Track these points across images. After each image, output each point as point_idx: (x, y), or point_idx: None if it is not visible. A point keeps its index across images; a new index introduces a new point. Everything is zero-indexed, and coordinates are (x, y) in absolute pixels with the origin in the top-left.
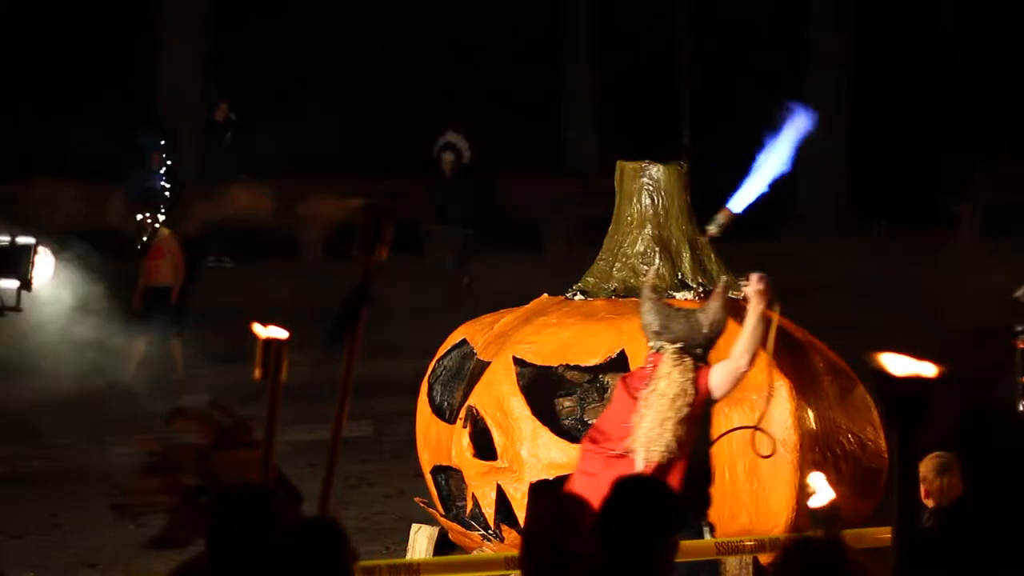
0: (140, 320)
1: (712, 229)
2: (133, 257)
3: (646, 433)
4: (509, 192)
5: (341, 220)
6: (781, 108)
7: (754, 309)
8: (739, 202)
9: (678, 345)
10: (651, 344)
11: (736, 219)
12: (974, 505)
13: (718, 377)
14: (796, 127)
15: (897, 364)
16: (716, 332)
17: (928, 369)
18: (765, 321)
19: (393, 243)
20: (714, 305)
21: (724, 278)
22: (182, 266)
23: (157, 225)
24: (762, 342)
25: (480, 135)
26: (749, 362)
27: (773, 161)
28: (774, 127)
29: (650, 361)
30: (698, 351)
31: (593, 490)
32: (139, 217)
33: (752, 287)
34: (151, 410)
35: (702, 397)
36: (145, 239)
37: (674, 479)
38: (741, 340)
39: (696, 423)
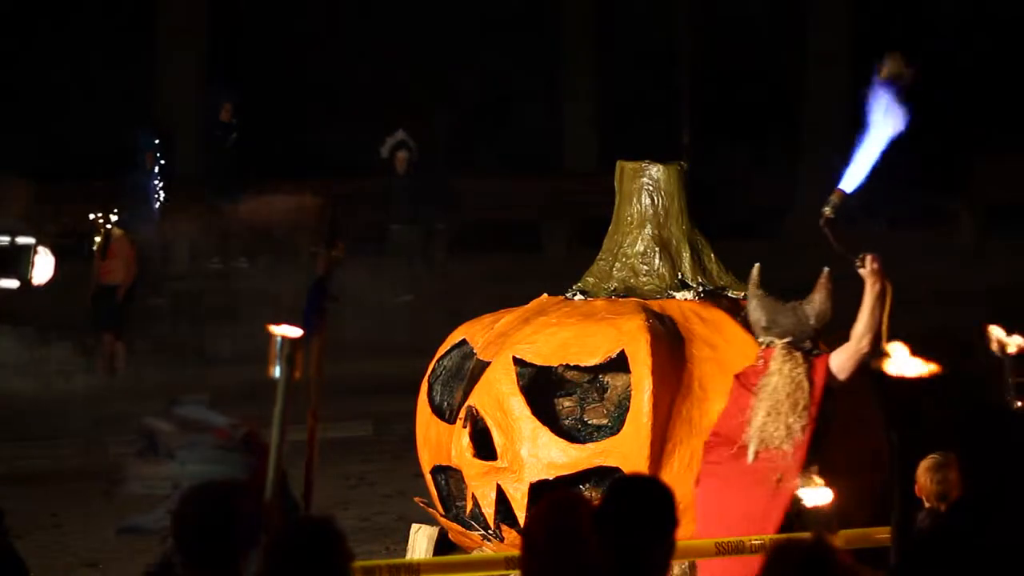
0: (93, 319)
1: (827, 210)
2: (84, 257)
3: (760, 427)
4: (509, 192)
5: (294, 219)
6: (877, 86)
7: (871, 290)
8: (850, 182)
9: (787, 340)
10: (760, 340)
11: (848, 199)
12: (973, 506)
13: (839, 362)
14: (894, 103)
15: (896, 366)
16: (823, 324)
17: (927, 369)
18: (881, 302)
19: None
20: (819, 296)
21: (826, 269)
22: (134, 266)
23: (109, 226)
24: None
25: (426, 132)
26: (870, 343)
27: (878, 139)
28: (873, 105)
29: (761, 357)
30: (807, 344)
31: (719, 478)
32: (91, 217)
33: (868, 268)
34: (149, 410)
35: (820, 387)
36: (99, 240)
37: (794, 470)
38: (860, 322)
39: (815, 413)
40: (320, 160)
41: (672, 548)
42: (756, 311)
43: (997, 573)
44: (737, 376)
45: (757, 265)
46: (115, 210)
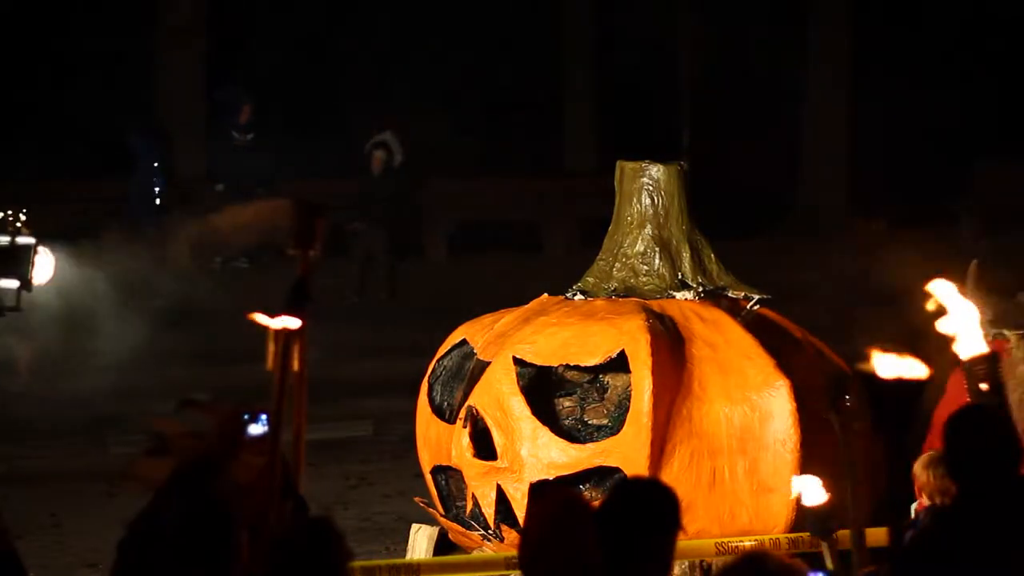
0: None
1: None
2: None
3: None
4: (509, 192)
5: (272, 224)
6: None
7: None
8: None
9: (1020, 332)
10: (988, 333)
11: None
12: (963, 506)
13: None
14: None
15: (886, 367)
16: None
17: (918, 371)
18: None
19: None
20: None
21: None
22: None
23: (19, 224)
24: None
25: (409, 135)
26: None
27: None
28: None
29: (992, 348)
30: None
31: None
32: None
33: None
34: (151, 410)
35: None
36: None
37: None
38: None
39: None
40: (319, 160)
41: (673, 550)
42: (979, 305)
43: (990, 570)
44: (957, 368)
45: (975, 261)
46: (24, 209)
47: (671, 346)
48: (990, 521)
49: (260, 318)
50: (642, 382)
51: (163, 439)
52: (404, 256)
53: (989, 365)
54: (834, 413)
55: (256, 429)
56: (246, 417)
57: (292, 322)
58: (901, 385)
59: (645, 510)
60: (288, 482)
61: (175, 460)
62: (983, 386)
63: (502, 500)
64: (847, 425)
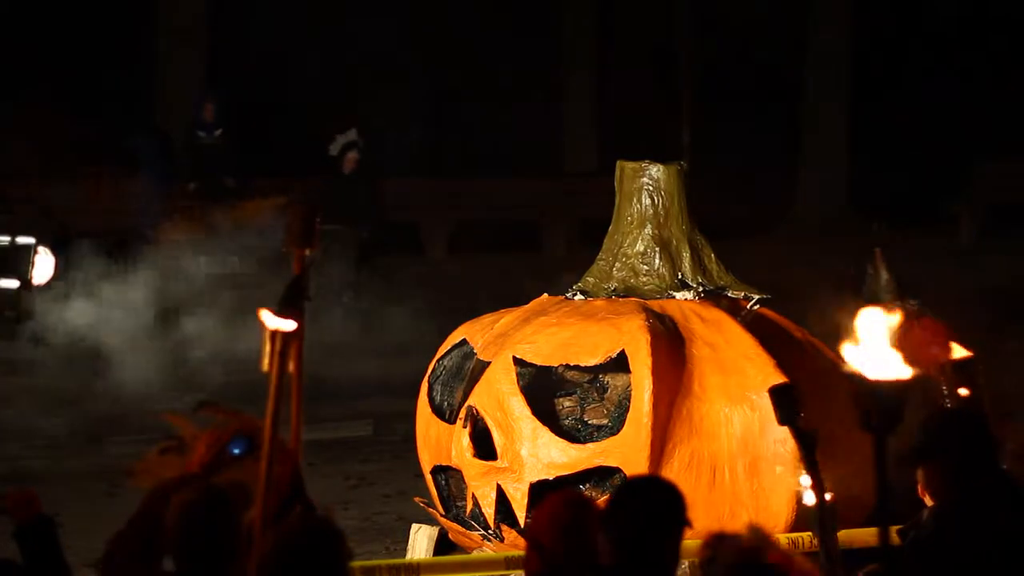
0: None
1: None
2: None
3: None
4: (509, 192)
5: (268, 221)
6: None
7: None
8: None
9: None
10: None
11: None
12: (954, 509)
13: None
14: None
15: (872, 368)
16: None
17: (904, 372)
18: None
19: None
20: None
21: None
22: None
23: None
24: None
25: (365, 133)
26: None
27: None
28: None
29: None
30: None
31: None
32: None
33: None
34: (150, 410)
35: None
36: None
37: None
38: None
39: None
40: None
41: (679, 546)
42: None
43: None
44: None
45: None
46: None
47: (671, 346)
48: (978, 521)
49: (265, 316)
50: (642, 382)
51: (180, 439)
52: (369, 258)
53: (969, 369)
54: (789, 426)
55: (237, 449)
56: (226, 442)
57: (287, 323)
58: (888, 385)
59: (650, 508)
60: (297, 486)
61: (186, 460)
62: (963, 391)
63: (502, 500)
64: (806, 436)
